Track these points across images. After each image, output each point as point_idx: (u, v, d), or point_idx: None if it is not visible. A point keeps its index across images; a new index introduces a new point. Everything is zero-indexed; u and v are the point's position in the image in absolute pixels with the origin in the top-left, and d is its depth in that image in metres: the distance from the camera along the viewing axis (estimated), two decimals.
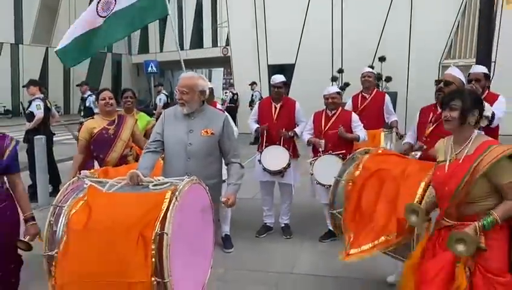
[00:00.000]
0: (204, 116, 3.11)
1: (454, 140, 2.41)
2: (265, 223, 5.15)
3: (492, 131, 4.16)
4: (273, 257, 4.47)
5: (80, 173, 3.78)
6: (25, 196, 2.97)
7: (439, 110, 3.31)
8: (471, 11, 12.18)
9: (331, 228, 4.85)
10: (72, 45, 5.33)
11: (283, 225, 5.10)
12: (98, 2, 5.29)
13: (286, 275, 4.06)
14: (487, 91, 3.94)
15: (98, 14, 5.29)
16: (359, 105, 5.41)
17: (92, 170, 3.43)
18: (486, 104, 4.02)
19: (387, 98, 5.52)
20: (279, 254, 4.56)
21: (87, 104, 8.75)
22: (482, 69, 3.98)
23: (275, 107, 4.94)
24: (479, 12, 6.01)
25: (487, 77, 3.92)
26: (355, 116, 4.76)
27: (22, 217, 2.94)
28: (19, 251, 2.90)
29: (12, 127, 13.67)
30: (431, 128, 3.51)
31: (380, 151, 3.68)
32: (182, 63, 5.86)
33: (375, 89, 5.61)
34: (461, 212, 2.29)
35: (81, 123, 8.78)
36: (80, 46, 5.37)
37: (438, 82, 3.47)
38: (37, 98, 6.83)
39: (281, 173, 4.81)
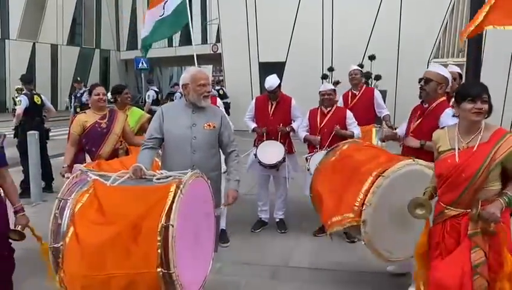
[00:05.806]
0: (205, 111, 3.19)
1: (461, 130, 2.45)
2: (261, 218, 5.20)
3: None
4: (268, 251, 4.53)
5: (71, 168, 3.82)
6: (13, 188, 2.94)
7: (425, 105, 3.54)
8: (459, 10, 12.36)
9: None
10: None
11: (278, 220, 5.16)
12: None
13: (282, 268, 4.12)
14: None
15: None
16: (349, 102, 5.50)
17: (84, 164, 3.46)
18: None
19: (376, 93, 5.61)
20: (274, 248, 4.62)
21: (84, 100, 8.65)
22: (457, 69, 4.54)
23: (271, 104, 4.99)
24: (470, 10, 6.14)
25: (461, 76, 4.53)
26: (349, 113, 4.83)
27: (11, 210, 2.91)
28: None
29: None
30: (417, 123, 3.60)
31: (365, 144, 3.87)
32: (195, 59, 6.14)
33: (364, 86, 5.68)
34: (475, 198, 2.34)
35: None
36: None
37: (420, 80, 3.74)
38: (22, 93, 6.77)
39: (276, 167, 4.85)
